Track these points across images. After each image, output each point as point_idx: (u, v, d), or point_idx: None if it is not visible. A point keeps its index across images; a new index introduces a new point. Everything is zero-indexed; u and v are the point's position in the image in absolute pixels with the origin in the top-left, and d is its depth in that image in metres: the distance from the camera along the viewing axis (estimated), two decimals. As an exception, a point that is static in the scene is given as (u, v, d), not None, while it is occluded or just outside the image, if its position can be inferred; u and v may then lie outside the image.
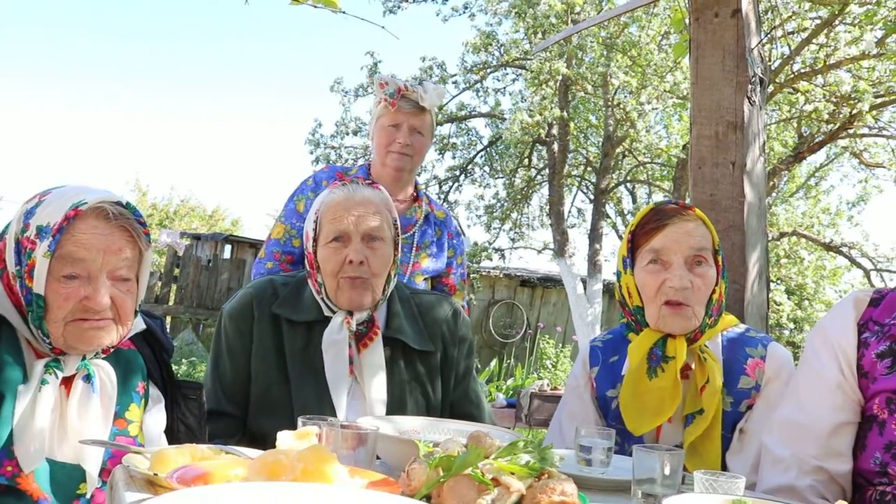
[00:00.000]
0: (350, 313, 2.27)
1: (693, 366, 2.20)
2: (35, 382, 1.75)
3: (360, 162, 6.68)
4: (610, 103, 11.39)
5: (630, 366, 2.21)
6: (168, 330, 12.08)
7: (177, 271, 12.50)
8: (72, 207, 1.74)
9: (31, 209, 1.79)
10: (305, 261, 2.33)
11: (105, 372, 1.86)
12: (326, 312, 2.31)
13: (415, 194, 3.18)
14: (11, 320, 1.78)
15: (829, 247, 12.38)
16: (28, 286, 1.74)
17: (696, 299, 2.18)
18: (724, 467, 2.15)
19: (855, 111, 9.06)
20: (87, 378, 1.83)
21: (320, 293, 2.29)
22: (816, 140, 10.20)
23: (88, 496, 1.79)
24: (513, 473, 1.38)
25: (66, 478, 1.77)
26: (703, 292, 2.19)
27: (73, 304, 1.74)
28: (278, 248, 3.05)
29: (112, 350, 1.87)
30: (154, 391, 2.01)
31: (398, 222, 2.36)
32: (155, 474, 1.47)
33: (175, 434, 2.02)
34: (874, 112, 9.34)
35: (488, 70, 12.14)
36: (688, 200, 4.01)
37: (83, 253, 1.74)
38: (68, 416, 1.79)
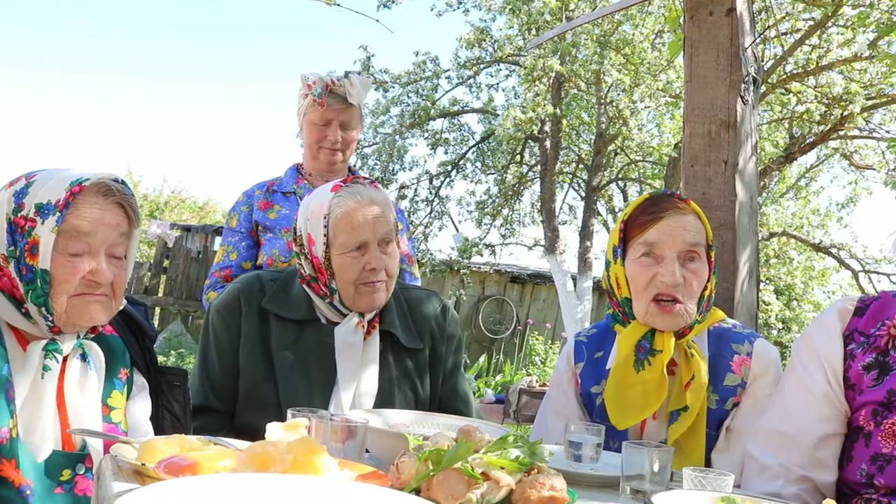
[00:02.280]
0: (361, 314, 2.27)
1: (679, 362, 2.17)
2: (34, 369, 1.76)
3: None
4: (603, 101, 11.40)
5: (617, 358, 2.18)
6: (157, 321, 12.07)
7: (166, 263, 12.44)
8: (76, 183, 1.77)
9: (21, 190, 1.79)
10: (309, 266, 2.28)
11: (95, 351, 1.88)
12: (331, 316, 2.29)
13: (351, 177, 3.24)
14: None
15: (818, 248, 12.44)
16: (30, 264, 1.75)
17: (689, 295, 2.14)
18: (708, 466, 2.13)
19: (846, 113, 9.10)
20: (83, 357, 1.85)
21: (327, 297, 2.27)
22: (807, 141, 10.24)
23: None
24: (502, 468, 1.38)
25: (50, 464, 1.76)
26: (696, 288, 2.15)
27: (78, 278, 1.77)
28: (217, 267, 3.12)
29: (98, 331, 1.89)
30: (138, 378, 2.01)
31: (396, 217, 2.36)
32: (143, 464, 1.46)
33: (160, 422, 2.02)
34: (865, 114, 9.39)
35: (481, 66, 12.13)
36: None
37: (88, 227, 1.77)
38: (67, 396, 1.81)
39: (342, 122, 3.09)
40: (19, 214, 1.77)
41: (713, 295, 2.24)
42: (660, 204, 2.19)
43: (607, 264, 2.28)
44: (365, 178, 2.37)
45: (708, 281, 2.19)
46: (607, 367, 2.25)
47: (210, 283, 3.09)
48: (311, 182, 3.14)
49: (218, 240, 13.19)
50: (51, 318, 1.77)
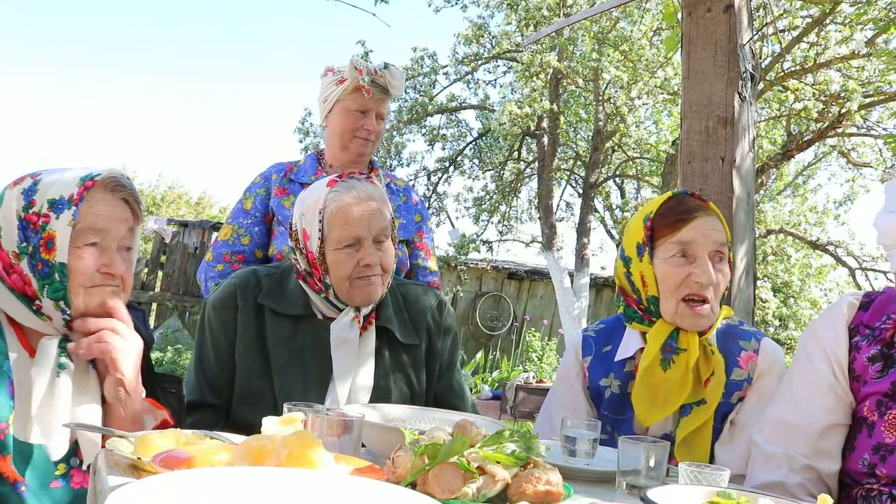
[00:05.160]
0: (357, 309, 2.27)
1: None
2: (50, 367, 1.78)
3: None
4: (600, 97, 11.40)
5: (645, 357, 2.20)
6: (154, 317, 12.05)
7: (163, 258, 12.43)
8: (87, 178, 1.81)
9: (29, 188, 1.82)
10: (304, 261, 2.27)
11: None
12: (327, 311, 2.29)
13: (347, 172, 3.19)
14: (6, 305, 1.80)
15: (815, 245, 12.46)
16: (46, 258, 1.78)
17: (716, 295, 2.19)
18: (712, 457, 2.16)
19: (844, 110, 9.11)
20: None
21: (322, 292, 2.27)
22: (805, 138, 10.25)
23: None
24: (498, 462, 1.38)
25: (44, 460, 1.77)
26: (722, 288, 2.20)
27: (93, 270, 1.81)
28: (227, 248, 3.02)
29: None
30: None
31: (392, 212, 2.35)
32: (138, 458, 1.46)
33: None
34: (863, 111, 9.40)
35: (479, 62, 12.12)
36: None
37: (102, 223, 1.82)
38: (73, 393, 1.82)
39: (378, 112, 3.05)
40: (31, 211, 1.80)
41: (727, 293, 2.30)
42: (687, 204, 2.22)
43: (628, 261, 2.27)
44: (361, 173, 2.36)
45: None
46: (616, 360, 2.27)
47: (223, 269, 2.99)
48: (330, 174, 3.08)
49: (215, 236, 13.19)
50: (68, 312, 1.80)
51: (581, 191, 12.83)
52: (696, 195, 2.28)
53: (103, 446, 1.74)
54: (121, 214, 1.86)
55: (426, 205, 12.38)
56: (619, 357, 2.27)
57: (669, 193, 2.28)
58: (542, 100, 10.80)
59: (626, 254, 2.29)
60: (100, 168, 1.86)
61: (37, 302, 1.80)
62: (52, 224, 1.78)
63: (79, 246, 1.79)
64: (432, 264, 3.19)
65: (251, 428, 1.76)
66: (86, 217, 1.80)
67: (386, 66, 3.06)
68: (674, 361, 2.17)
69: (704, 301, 2.17)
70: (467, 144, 12.85)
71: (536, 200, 12.35)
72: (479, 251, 12.47)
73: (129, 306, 2.04)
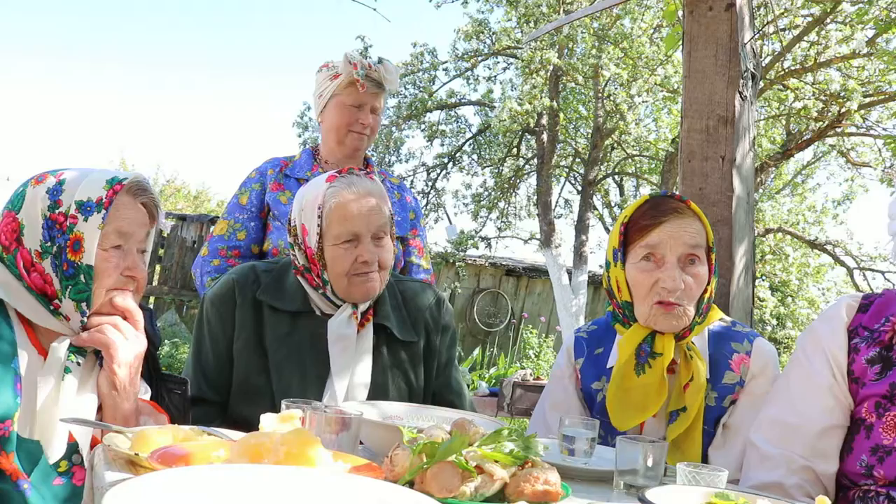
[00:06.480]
0: (355, 306, 2.26)
1: (679, 362, 2.17)
2: (56, 368, 1.79)
3: None
4: (600, 95, 11.39)
5: (618, 361, 2.18)
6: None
7: (161, 252, 12.42)
8: (115, 182, 1.84)
9: (55, 187, 1.83)
10: (302, 256, 2.27)
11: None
12: (325, 307, 2.29)
13: (346, 168, 3.19)
14: (22, 305, 1.81)
15: (813, 244, 12.46)
16: (72, 259, 1.80)
17: (689, 299, 2.14)
18: (705, 461, 2.14)
19: (843, 110, 9.10)
20: (96, 353, 1.89)
21: (320, 288, 2.26)
22: (804, 138, 10.25)
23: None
24: (496, 461, 1.38)
25: (47, 457, 1.76)
26: (696, 291, 2.15)
27: (118, 273, 1.85)
28: (223, 244, 3.03)
29: None
30: (141, 383, 2.00)
31: (392, 209, 2.34)
32: (136, 454, 1.46)
33: None
34: (862, 111, 9.39)
35: (479, 58, 12.10)
36: (676, 194, 4.00)
37: (126, 227, 1.85)
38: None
39: (373, 106, 3.06)
40: (57, 211, 1.81)
41: (713, 296, 2.24)
42: (660, 207, 2.18)
43: (607, 265, 2.27)
44: (361, 169, 2.35)
45: (708, 283, 2.19)
46: (608, 367, 2.25)
47: (219, 264, 2.99)
48: (325, 170, 3.07)
49: (212, 230, 13.13)
50: (87, 315, 1.82)
51: (580, 188, 12.82)
52: (675, 196, 2.24)
53: (97, 441, 1.74)
54: (142, 219, 1.90)
55: (424, 201, 12.47)
56: (610, 363, 2.25)
57: (646, 196, 2.25)
58: (541, 96, 10.78)
59: (606, 258, 2.28)
60: (125, 172, 1.90)
61: (55, 301, 1.81)
62: (80, 226, 1.80)
63: (105, 249, 1.82)
64: (425, 262, 3.20)
65: (249, 424, 1.76)
66: (112, 221, 1.83)
67: (380, 60, 3.07)
68: (650, 366, 2.14)
69: (677, 304, 2.13)
70: (466, 141, 12.83)
71: (535, 197, 12.34)
72: (477, 247, 12.47)
73: (139, 306, 2.04)
